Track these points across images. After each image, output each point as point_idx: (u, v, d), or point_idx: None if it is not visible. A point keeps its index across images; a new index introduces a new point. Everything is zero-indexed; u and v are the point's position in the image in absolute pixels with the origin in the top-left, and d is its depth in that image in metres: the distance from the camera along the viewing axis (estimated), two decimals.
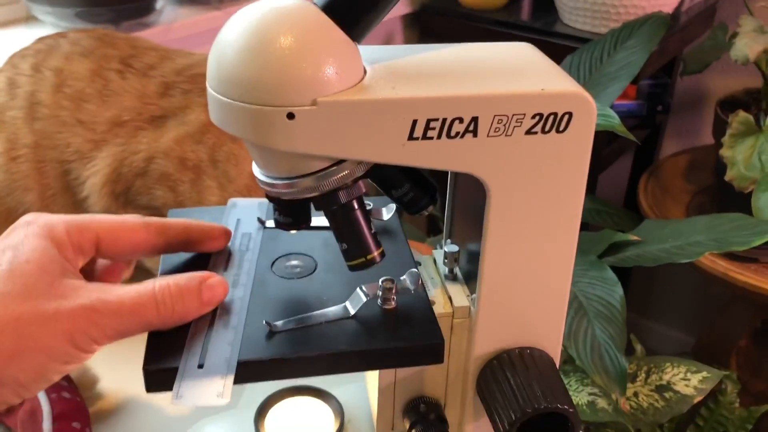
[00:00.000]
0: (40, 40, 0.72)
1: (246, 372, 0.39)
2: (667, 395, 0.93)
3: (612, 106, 1.16)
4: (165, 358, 0.39)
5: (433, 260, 0.51)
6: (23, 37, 0.97)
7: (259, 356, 0.39)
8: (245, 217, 0.51)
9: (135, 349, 0.42)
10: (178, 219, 0.46)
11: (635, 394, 0.95)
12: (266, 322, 0.41)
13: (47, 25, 1.00)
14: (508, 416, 0.43)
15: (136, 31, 0.97)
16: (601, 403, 0.91)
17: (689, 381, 0.93)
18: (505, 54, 0.43)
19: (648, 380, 0.95)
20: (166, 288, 0.39)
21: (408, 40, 1.53)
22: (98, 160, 0.66)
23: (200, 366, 0.38)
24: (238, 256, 0.47)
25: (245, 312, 0.42)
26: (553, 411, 0.43)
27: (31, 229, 0.39)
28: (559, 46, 1.36)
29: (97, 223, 0.42)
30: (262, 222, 0.51)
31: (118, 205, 0.68)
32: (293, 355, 0.39)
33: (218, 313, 0.42)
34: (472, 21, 1.50)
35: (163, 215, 0.67)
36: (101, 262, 0.45)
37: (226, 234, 0.47)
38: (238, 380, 0.38)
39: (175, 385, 0.38)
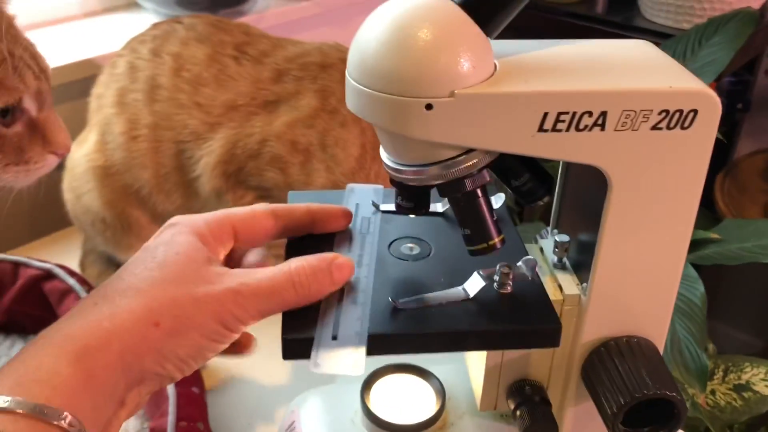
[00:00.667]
0: (156, 26, 0.76)
1: (375, 345, 0.41)
2: (746, 395, 0.92)
3: None
4: (301, 329, 0.42)
5: (539, 249, 0.53)
6: (126, 22, 1.02)
7: (387, 331, 0.42)
8: (363, 201, 0.53)
9: None
10: (300, 203, 0.49)
11: (712, 392, 0.95)
12: (391, 299, 0.44)
13: (148, 11, 1.05)
14: (617, 401, 0.45)
15: (232, 19, 1.01)
16: None
17: None
18: (628, 51, 0.45)
19: (726, 379, 0.95)
20: (302, 269, 0.42)
21: None
22: (213, 141, 0.69)
23: (334, 338, 0.41)
24: (359, 238, 0.49)
25: (371, 290, 0.45)
26: (661, 398, 0.44)
27: (177, 228, 0.43)
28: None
29: (233, 215, 0.45)
30: (376, 206, 0.53)
31: (228, 186, 0.71)
32: (420, 331, 0.42)
33: (345, 290, 0.44)
34: (549, 13, 1.50)
35: (273, 196, 0.71)
36: (250, 259, 0.48)
37: (348, 215, 0.50)
38: (369, 352, 0.41)
39: (312, 354, 0.40)
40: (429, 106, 0.39)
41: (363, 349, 0.41)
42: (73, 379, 0.35)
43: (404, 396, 0.56)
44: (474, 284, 0.45)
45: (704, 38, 1.21)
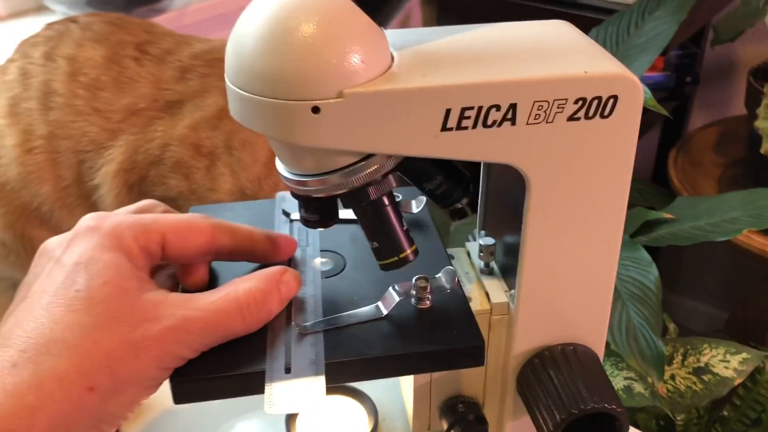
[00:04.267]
0: (50, 26, 0.70)
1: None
2: (705, 378, 0.90)
3: (641, 79, 1.13)
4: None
5: (466, 253, 0.49)
6: (34, 27, 0.96)
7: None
8: (295, 209, 0.49)
9: None
10: (242, 224, 0.42)
11: (672, 377, 0.92)
12: (295, 323, 0.39)
13: (58, 15, 0.98)
14: (553, 417, 0.41)
15: (148, 18, 0.95)
16: (638, 387, 0.89)
17: (728, 363, 0.90)
18: (541, 34, 0.41)
19: (685, 362, 0.93)
20: (251, 295, 0.37)
21: (427, 19, 1.49)
22: (113, 149, 0.64)
23: (287, 370, 0.36)
24: (298, 251, 0.45)
25: (321, 310, 0.40)
26: (600, 411, 0.41)
27: (98, 240, 0.36)
28: (583, 18, 1.32)
29: (163, 223, 0.39)
30: (287, 214, 0.49)
31: (132, 197, 0.66)
32: (328, 359, 0.37)
33: (293, 312, 0.40)
34: None
35: (178, 206, 0.66)
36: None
37: (293, 246, 0.44)
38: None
39: (267, 391, 0.36)
40: (316, 109, 0.34)
41: (322, 379, 0.36)
42: None
43: (335, 418, 0.52)
44: (389, 301, 0.41)
45: (647, 12, 1.17)
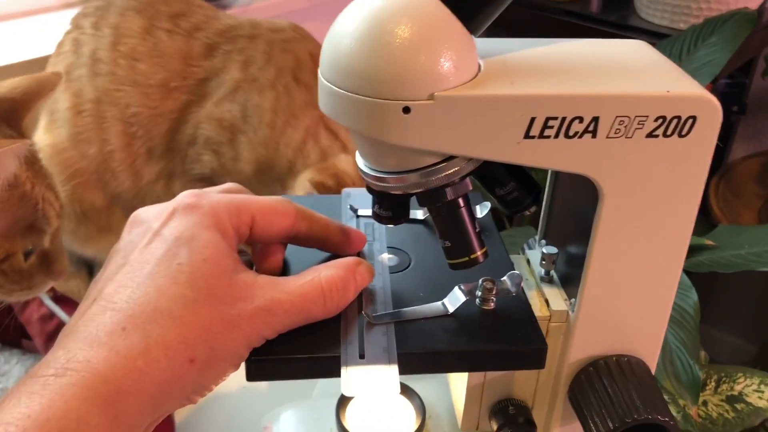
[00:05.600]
0: None
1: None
2: (738, 407, 0.90)
3: None
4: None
5: (526, 260, 0.50)
6: None
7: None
8: (362, 206, 0.50)
9: None
10: (320, 214, 0.44)
11: (704, 403, 0.92)
12: (365, 313, 0.41)
13: None
14: (606, 425, 0.42)
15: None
16: (670, 410, 0.89)
17: (763, 393, 0.90)
18: (623, 52, 0.42)
19: (718, 390, 0.93)
20: (332, 282, 0.39)
21: None
22: (155, 129, 0.67)
23: (361, 356, 0.38)
24: (366, 246, 0.47)
25: (391, 302, 0.42)
26: (653, 423, 0.42)
27: (198, 218, 0.38)
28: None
29: (254, 205, 0.40)
30: (354, 210, 0.50)
31: (176, 174, 0.70)
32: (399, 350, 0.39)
33: (365, 302, 0.42)
34: (541, 11, 1.47)
35: (213, 183, 0.68)
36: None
37: (363, 241, 0.46)
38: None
39: (343, 374, 0.37)
40: (406, 110, 0.36)
41: (395, 367, 0.38)
42: (102, 428, 0.31)
43: (382, 413, 0.53)
44: (454, 299, 0.42)
45: (701, 39, 1.18)
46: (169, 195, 0.57)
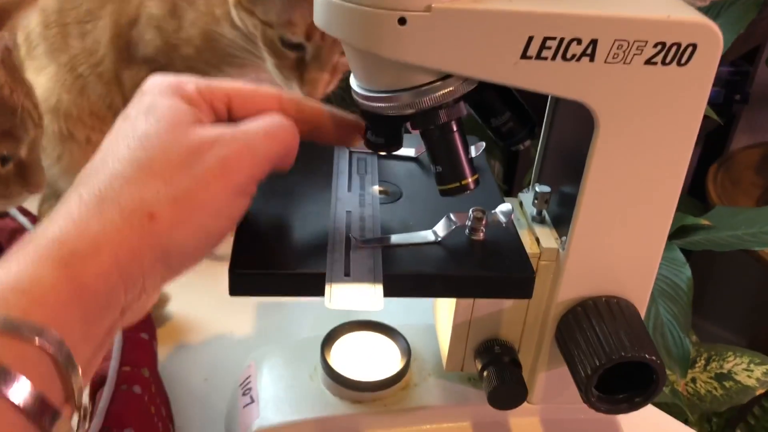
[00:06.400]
0: None
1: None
2: (727, 384, 0.90)
3: None
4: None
5: (519, 203, 0.49)
6: None
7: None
8: None
9: (201, 274, 0.41)
10: (311, 100, 0.42)
11: (693, 380, 0.92)
12: (351, 236, 0.40)
13: None
14: (592, 363, 0.41)
15: None
16: None
17: (752, 372, 0.90)
18: None
19: (708, 367, 0.92)
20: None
21: None
22: (102, 20, 0.68)
23: (346, 274, 0.38)
24: (357, 178, 0.47)
25: (380, 229, 0.42)
26: (639, 361, 0.41)
27: (157, 89, 0.37)
28: None
29: (228, 85, 0.39)
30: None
31: (123, 64, 0.69)
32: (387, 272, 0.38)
33: (351, 228, 0.41)
34: None
35: (159, 64, 0.67)
36: None
37: (360, 129, 0.43)
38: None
39: (326, 290, 0.37)
40: (402, 21, 0.35)
41: (380, 287, 0.37)
42: (59, 289, 0.30)
43: (367, 353, 0.53)
44: (444, 227, 0.41)
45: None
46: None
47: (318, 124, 0.41)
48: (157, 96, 0.37)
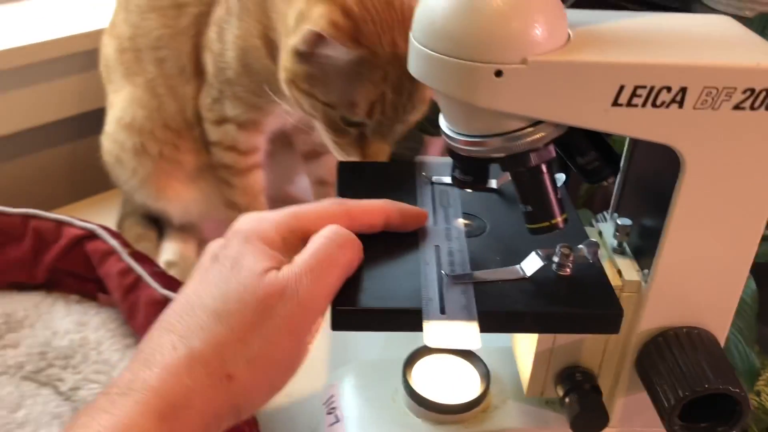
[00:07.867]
0: None
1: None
2: None
3: None
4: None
5: (598, 233, 0.51)
6: None
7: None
8: (434, 173, 0.52)
9: None
10: (375, 202, 0.45)
11: (757, 393, 0.91)
12: (444, 272, 0.42)
13: None
14: (675, 394, 0.43)
15: None
16: None
17: None
18: (710, 25, 0.42)
19: None
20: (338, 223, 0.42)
21: None
22: (180, 47, 0.72)
23: (442, 311, 0.40)
24: (441, 211, 0.48)
25: (468, 263, 0.44)
26: (723, 393, 0.42)
27: (244, 235, 0.40)
28: None
29: (303, 217, 0.42)
30: (428, 179, 0.52)
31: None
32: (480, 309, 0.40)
33: (442, 263, 0.43)
34: None
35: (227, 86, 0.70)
36: None
37: (424, 218, 0.47)
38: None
39: (425, 327, 0.39)
40: (499, 73, 0.37)
41: (475, 324, 0.39)
42: None
43: (447, 377, 0.54)
44: (531, 264, 0.43)
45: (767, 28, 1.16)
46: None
47: (386, 222, 0.45)
48: (242, 243, 0.40)
